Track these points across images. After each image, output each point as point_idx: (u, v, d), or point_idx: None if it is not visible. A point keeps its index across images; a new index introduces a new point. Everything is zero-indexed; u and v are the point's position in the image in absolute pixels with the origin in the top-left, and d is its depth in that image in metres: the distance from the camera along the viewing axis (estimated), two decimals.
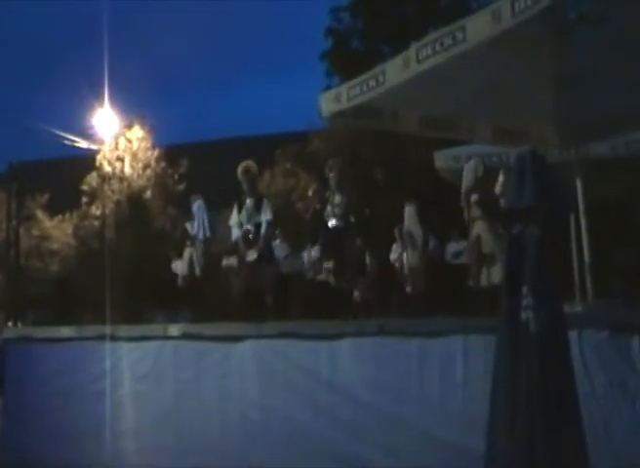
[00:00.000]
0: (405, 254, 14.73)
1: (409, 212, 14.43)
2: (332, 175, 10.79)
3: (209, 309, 10.45)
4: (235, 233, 10.36)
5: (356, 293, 15.72)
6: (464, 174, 10.32)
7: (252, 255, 10.14)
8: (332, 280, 10.84)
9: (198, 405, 7.54)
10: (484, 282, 10.23)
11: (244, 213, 10.22)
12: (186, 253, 13.36)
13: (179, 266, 14.04)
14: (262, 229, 10.14)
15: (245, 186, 10.29)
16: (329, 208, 10.61)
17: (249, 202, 10.25)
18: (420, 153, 20.95)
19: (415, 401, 6.32)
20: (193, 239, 13.21)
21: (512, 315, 4.09)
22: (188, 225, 13.45)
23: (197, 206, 13.30)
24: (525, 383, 4.00)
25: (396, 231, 15.03)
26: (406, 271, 14.70)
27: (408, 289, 14.63)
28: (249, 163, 10.46)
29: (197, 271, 13.17)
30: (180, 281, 13.55)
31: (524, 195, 4.25)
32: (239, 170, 10.36)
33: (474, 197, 10.13)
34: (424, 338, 6.37)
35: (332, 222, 10.52)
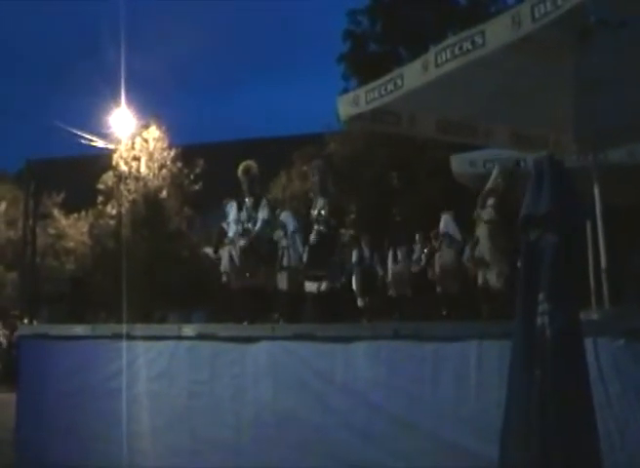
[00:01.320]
0: (438, 255, 14.94)
1: (446, 219, 14.68)
2: (315, 178, 10.77)
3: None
4: (233, 229, 10.43)
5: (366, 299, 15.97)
6: (492, 176, 10.38)
7: (242, 243, 10.18)
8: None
9: (212, 405, 7.54)
10: (477, 284, 10.35)
11: (244, 212, 10.30)
12: (225, 251, 13.43)
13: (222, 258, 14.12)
14: (257, 226, 10.18)
15: (245, 186, 10.36)
16: (313, 212, 10.59)
17: (248, 201, 10.33)
18: (437, 157, 20.93)
19: (428, 405, 6.30)
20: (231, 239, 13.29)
21: (528, 321, 4.07)
22: (225, 225, 13.52)
23: (230, 207, 13.39)
24: (540, 389, 3.99)
25: (432, 234, 15.29)
26: (437, 272, 14.88)
27: (438, 289, 14.81)
28: (249, 163, 10.52)
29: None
30: (224, 277, 13.63)
31: (541, 200, 4.24)
32: (239, 169, 10.43)
33: (490, 201, 10.16)
34: (439, 343, 6.36)
35: (315, 227, 10.50)
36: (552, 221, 4.15)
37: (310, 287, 10.51)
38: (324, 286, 10.27)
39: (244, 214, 10.28)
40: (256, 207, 10.28)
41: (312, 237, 10.49)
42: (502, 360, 4.60)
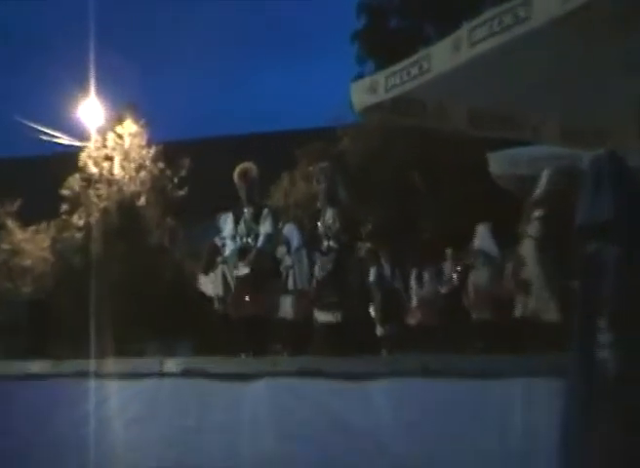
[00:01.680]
0: (472, 275, 14.95)
1: (482, 231, 14.63)
2: (321, 185, 10.70)
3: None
4: (229, 246, 10.41)
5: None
6: (541, 182, 10.28)
7: (242, 270, 10.15)
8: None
9: (201, 457, 7.53)
10: (520, 312, 10.30)
11: (242, 224, 10.27)
12: (219, 272, 13.35)
13: (208, 286, 14.04)
14: (259, 242, 10.14)
15: (242, 193, 10.33)
16: (320, 227, 10.53)
17: (247, 212, 10.30)
18: (470, 155, 20.90)
19: (465, 454, 6.29)
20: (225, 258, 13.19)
21: (586, 354, 4.05)
22: (218, 241, 13.39)
23: (224, 220, 13.33)
24: (602, 441, 3.96)
25: (462, 254, 15.34)
26: (471, 295, 14.88)
27: (473, 315, 14.79)
28: (247, 165, 10.52)
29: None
30: (215, 304, 13.58)
31: (601, 206, 4.21)
32: (235, 173, 10.42)
33: (538, 212, 10.09)
34: (477, 380, 6.34)
35: (324, 244, 10.45)
36: (615, 231, 4.13)
37: (322, 317, 10.49)
38: (338, 316, 10.25)
39: (242, 228, 10.26)
40: (256, 218, 10.26)
41: (321, 258, 10.45)
42: (555, 401, 4.57)
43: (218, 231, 13.29)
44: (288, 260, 12.57)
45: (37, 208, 31.28)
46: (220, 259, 13.08)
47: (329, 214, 10.41)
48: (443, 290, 16.41)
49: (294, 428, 7.09)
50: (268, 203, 16.32)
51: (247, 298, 10.10)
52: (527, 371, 6.07)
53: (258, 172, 10.55)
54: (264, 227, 10.22)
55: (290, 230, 12.86)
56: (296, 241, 12.35)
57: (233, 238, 10.34)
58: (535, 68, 7.34)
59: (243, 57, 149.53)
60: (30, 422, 8.47)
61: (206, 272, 13.63)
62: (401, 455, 6.55)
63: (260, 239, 10.18)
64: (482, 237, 14.71)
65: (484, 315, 14.52)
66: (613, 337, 3.98)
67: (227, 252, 10.53)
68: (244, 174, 10.40)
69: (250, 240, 10.19)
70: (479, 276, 14.76)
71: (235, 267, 10.29)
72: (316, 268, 10.64)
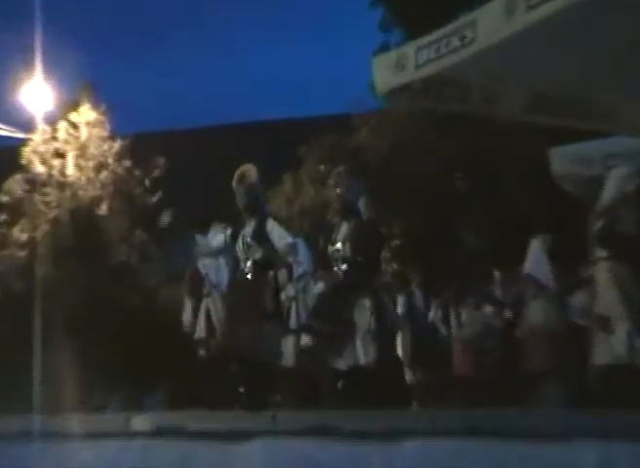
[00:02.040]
0: (524, 310, 14.85)
1: (535, 248, 14.45)
2: (337, 193, 10.68)
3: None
4: (215, 271, 10.38)
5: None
6: (607, 184, 10.18)
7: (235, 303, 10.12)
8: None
9: None
10: (598, 356, 10.24)
11: (240, 243, 10.22)
12: (202, 307, 13.20)
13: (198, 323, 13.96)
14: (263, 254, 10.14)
15: (240, 202, 10.28)
16: (330, 248, 10.50)
17: (247, 226, 10.25)
18: (526, 150, 20.91)
19: None
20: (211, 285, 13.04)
21: None
22: (201, 265, 13.15)
23: (214, 235, 13.29)
24: None
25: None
26: (525, 335, 14.78)
27: (528, 361, 14.69)
28: (245, 168, 10.50)
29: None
30: (202, 350, 13.48)
31: None
32: (234, 178, 10.40)
33: (599, 224, 10.00)
34: (536, 443, 6.32)
35: (336, 268, 10.42)
36: None
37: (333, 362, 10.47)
38: (342, 363, 10.21)
39: (240, 248, 10.23)
40: (259, 235, 10.20)
41: (331, 288, 10.43)
42: None
43: (204, 248, 13.21)
44: (290, 289, 12.49)
45: None
46: (205, 291, 12.98)
47: (343, 231, 10.38)
48: (490, 325, 16.31)
49: None
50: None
51: (239, 338, 10.06)
52: (604, 432, 6.05)
53: (257, 175, 10.51)
54: (284, 238, 10.17)
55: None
56: (305, 262, 12.28)
57: (225, 260, 10.31)
58: (609, 38, 7.32)
59: (237, 26, 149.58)
60: None
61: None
62: None
63: (278, 256, 10.18)
64: (534, 258, 14.49)
65: (541, 361, 14.39)
66: None
67: (214, 279, 10.50)
68: (240, 178, 10.38)
69: (248, 265, 10.15)
70: (531, 312, 14.63)
71: (224, 300, 10.26)
72: (325, 300, 10.63)
